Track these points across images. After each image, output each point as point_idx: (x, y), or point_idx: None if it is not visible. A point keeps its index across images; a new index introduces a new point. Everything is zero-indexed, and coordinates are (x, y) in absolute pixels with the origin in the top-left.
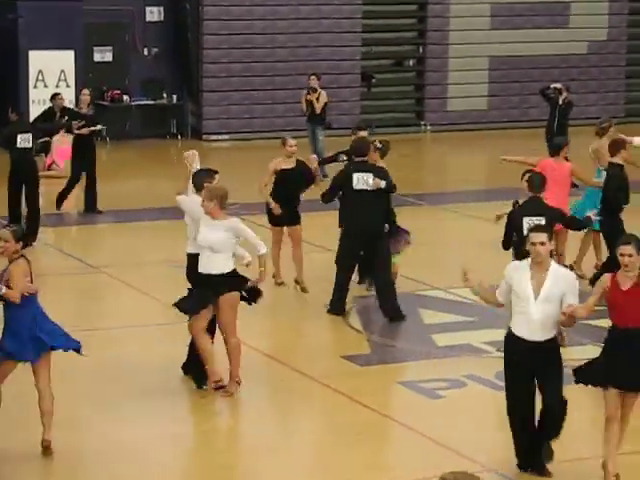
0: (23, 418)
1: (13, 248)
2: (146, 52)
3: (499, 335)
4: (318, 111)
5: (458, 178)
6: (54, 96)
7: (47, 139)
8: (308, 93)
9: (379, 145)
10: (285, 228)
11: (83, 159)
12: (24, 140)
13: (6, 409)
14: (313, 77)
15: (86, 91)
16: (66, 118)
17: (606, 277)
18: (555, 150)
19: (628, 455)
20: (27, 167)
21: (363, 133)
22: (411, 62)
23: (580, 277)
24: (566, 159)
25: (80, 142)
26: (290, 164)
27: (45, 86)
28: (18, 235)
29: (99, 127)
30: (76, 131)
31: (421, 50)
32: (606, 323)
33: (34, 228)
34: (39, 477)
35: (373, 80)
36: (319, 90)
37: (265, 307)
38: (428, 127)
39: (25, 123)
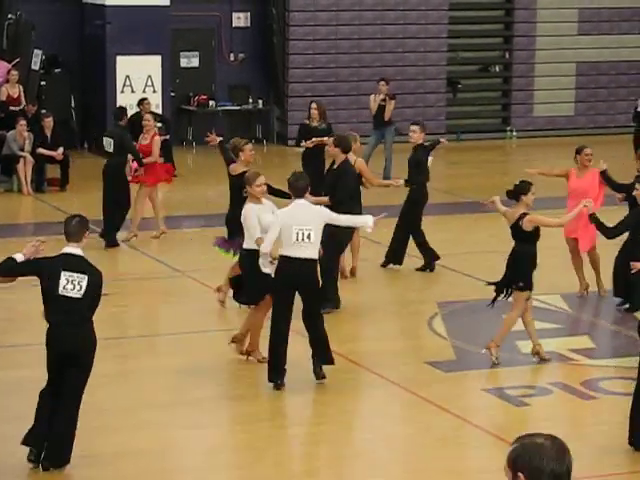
0: None
1: None
2: (232, 57)
3: (585, 343)
4: (388, 117)
5: (543, 184)
6: (141, 101)
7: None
8: (384, 100)
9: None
10: None
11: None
12: (107, 144)
13: None
14: (383, 82)
15: (314, 105)
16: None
17: None
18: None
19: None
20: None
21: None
22: (497, 68)
23: None
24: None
25: (309, 155)
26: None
27: (132, 91)
28: None
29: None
30: (303, 144)
31: (507, 56)
32: None
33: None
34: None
35: (459, 86)
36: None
37: (348, 312)
38: (514, 133)
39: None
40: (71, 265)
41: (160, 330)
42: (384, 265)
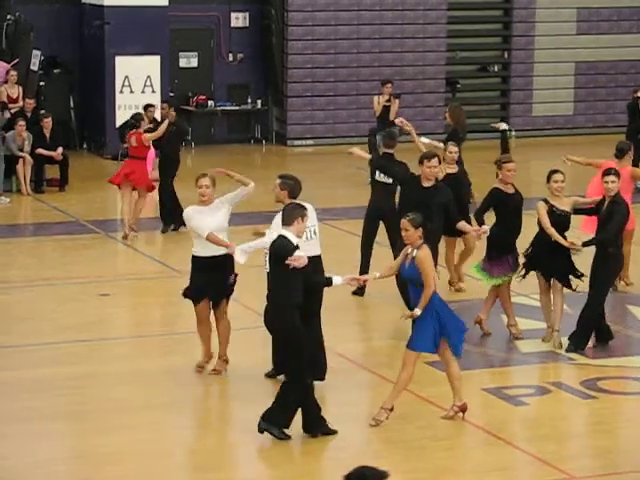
0: None
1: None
2: (231, 58)
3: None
4: (393, 117)
5: (543, 184)
6: (146, 107)
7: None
8: (388, 100)
9: None
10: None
11: None
12: None
13: None
14: (389, 84)
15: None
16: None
17: None
18: (620, 154)
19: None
20: None
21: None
22: (496, 67)
23: None
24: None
25: None
26: (452, 169)
27: (131, 91)
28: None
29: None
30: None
31: (506, 55)
32: None
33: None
34: None
35: (458, 86)
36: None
37: (348, 313)
38: (513, 132)
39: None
40: None
41: (164, 329)
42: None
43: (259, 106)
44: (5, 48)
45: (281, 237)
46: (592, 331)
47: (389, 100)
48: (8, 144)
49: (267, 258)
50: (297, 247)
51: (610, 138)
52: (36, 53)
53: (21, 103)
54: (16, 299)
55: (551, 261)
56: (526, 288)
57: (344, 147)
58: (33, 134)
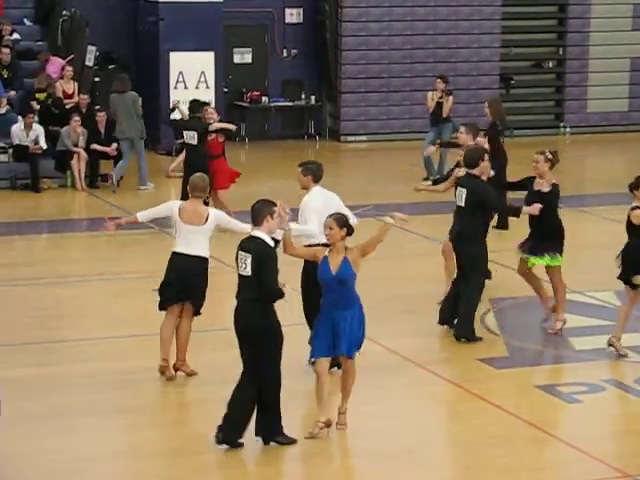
0: None
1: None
2: (285, 53)
3: (638, 339)
4: (446, 114)
5: (598, 181)
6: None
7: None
8: (441, 97)
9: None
10: None
11: None
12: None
13: None
14: (440, 80)
15: (486, 103)
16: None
17: None
18: None
19: None
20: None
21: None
22: (551, 64)
23: None
24: None
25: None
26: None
27: (185, 87)
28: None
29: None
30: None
31: (561, 51)
32: None
33: None
34: None
35: (512, 82)
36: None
37: (401, 310)
38: (567, 129)
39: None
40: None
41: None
42: None
43: (313, 102)
44: (61, 44)
45: (254, 240)
46: None
47: (442, 96)
48: (63, 139)
49: (238, 259)
50: (277, 244)
51: None
52: (91, 49)
53: (76, 99)
54: (71, 293)
55: None
56: (581, 285)
57: (397, 143)
58: (88, 130)
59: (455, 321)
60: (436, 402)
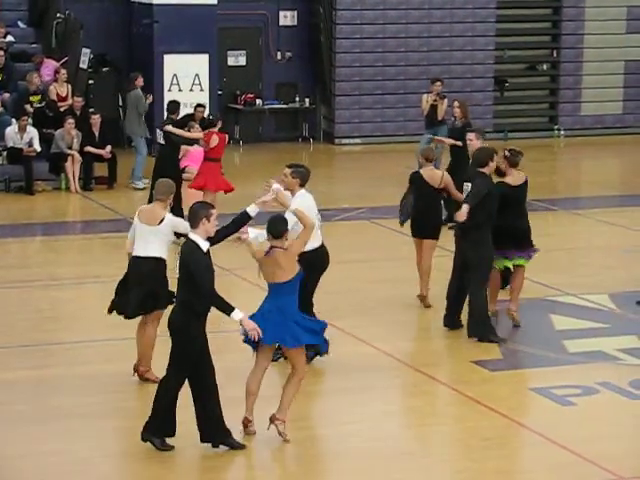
0: None
1: None
2: (279, 56)
3: (632, 342)
4: (441, 116)
5: (592, 183)
6: (196, 107)
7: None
8: (435, 100)
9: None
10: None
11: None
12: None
13: None
14: (438, 83)
15: (456, 103)
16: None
17: None
18: None
19: None
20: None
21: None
22: (545, 66)
23: None
24: None
25: (454, 154)
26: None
27: (179, 90)
28: None
29: (459, 143)
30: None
31: (555, 54)
32: None
33: None
34: None
35: (506, 84)
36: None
37: (395, 312)
38: (562, 131)
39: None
40: None
41: None
42: None
43: (307, 104)
44: (55, 46)
45: (187, 242)
46: None
47: (436, 99)
48: (57, 142)
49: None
50: (208, 253)
51: None
52: (85, 51)
53: (70, 101)
54: (66, 296)
55: None
56: (575, 288)
57: (392, 146)
58: (82, 132)
59: (466, 322)
60: (430, 404)
